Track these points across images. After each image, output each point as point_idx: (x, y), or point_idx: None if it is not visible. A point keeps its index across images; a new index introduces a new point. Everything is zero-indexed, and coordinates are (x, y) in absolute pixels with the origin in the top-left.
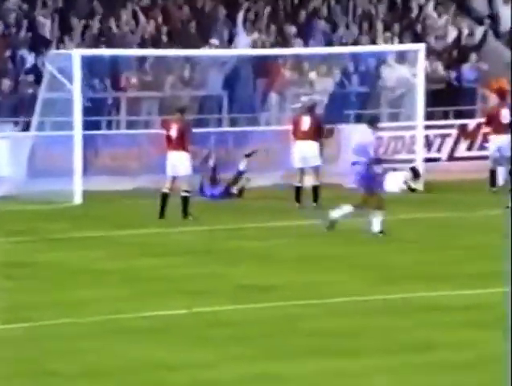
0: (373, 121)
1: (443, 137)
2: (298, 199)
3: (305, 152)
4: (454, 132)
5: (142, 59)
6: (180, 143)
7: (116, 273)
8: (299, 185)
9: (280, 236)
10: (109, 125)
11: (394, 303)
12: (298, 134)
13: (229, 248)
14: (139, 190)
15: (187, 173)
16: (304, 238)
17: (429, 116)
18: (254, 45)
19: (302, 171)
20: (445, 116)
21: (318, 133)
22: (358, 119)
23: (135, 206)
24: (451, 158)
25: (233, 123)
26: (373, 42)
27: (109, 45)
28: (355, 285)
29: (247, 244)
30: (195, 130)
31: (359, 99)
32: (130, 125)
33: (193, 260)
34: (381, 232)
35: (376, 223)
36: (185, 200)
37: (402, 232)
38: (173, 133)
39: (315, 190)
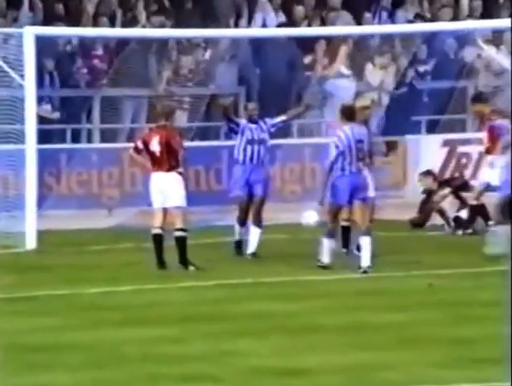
0: None
1: None
2: (346, 243)
3: None
4: None
5: (122, 43)
6: (167, 161)
7: (80, 350)
8: (346, 224)
9: (316, 295)
10: (76, 136)
11: None
12: None
13: (243, 313)
14: (119, 229)
15: (180, 203)
16: (352, 297)
17: None
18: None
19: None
20: None
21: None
22: (432, 128)
23: (114, 252)
24: None
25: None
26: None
27: (74, 22)
28: (423, 368)
29: (269, 307)
30: (199, 143)
31: (434, 99)
32: (107, 135)
33: (192, 330)
34: None
35: None
36: (182, 243)
37: None
38: (155, 147)
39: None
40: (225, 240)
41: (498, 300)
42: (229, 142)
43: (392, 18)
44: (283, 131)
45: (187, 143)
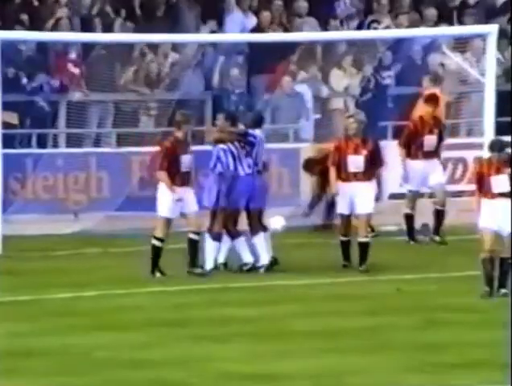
0: None
1: None
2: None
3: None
4: None
5: (88, 47)
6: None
7: (49, 355)
8: (345, 239)
9: (285, 300)
10: (41, 141)
11: None
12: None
13: (212, 318)
14: (86, 234)
15: (195, 209)
16: (321, 302)
17: (502, 128)
18: (255, 29)
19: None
20: None
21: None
22: (398, 133)
23: (80, 257)
24: None
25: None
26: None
27: (35, 25)
28: (391, 373)
29: (238, 312)
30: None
31: (399, 105)
32: (73, 140)
33: (160, 336)
34: None
35: None
36: (195, 246)
37: None
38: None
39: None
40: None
41: (466, 305)
42: (195, 147)
43: (359, 25)
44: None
45: (153, 148)
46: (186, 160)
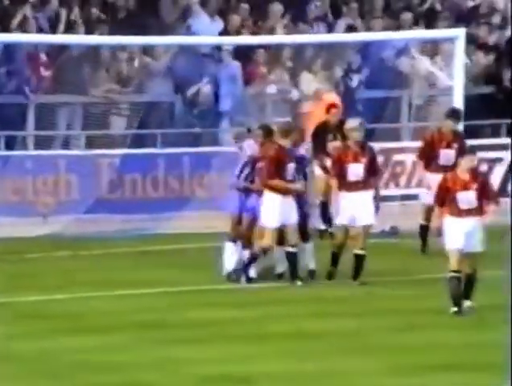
0: None
1: (492, 162)
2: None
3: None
4: (508, 156)
5: (57, 49)
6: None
7: (19, 359)
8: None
9: (261, 303)
10: (10, 143)
11: None
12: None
13: (185, 321)
14: (55, 237)
15: (295, 220)
16: (296, 305)
17: (471, 132)
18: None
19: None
20: (494, 132)
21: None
22: (367, 136)
23: (50, 260)
24: (503, 193)
25: (188, 141)
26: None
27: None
28: (366, 376)
29: (211, 315)
30: (133, 151)
31: (369, 108)
32: (42, 142)
33: (133, 338)
34: None
35: None
36: (294, 258)
37: None
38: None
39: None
40: (163, 248)
41: (440, 308)
42: (166, 150)
43: (329, 28)
44: (220, 138)
45: (123, 151)
46: (291, 169)
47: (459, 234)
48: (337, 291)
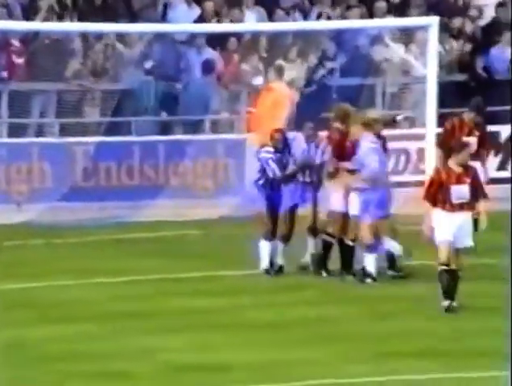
0: None
1: None
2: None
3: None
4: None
5: (31, 36)
6: None
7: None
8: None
9: (234, 292)
10: None
11: None
12: None
13: (161, 309)
14: (29, 225)
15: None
16: (271, 294)
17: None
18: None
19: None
20: None
21: None
22: None
23: (26, 248)
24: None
25: (164, 129)
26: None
27: None
28: (337, 363)
29: (186, 303)
30: (108, 138)
31: (343, 96)
32: (15, 130)
33: (109, 327)
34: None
35: None
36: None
37: None
38: None
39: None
40: (138, 236)
41: (412, 295)
42: (141, 138)
43: (304, 16)
44: (196, 127)
45: (98, 138)
46: None
47: (450, 228)
48: (314, 280)
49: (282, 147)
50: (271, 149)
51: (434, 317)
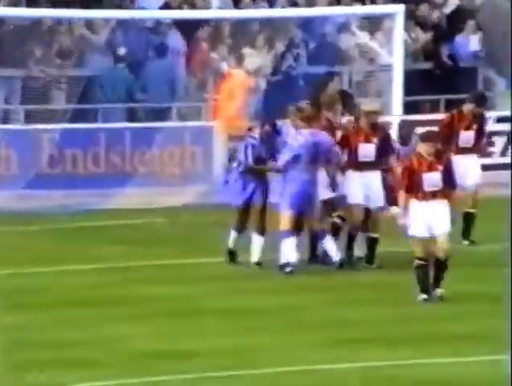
0: None
1: None
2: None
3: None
4: None
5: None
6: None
7: None
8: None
9: (199, 280)
10: None
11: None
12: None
13: (125, 297)
14: None
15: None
16: (235, 281)
17: (410, 107)
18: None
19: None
20: (434, 108)
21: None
22: None
23: None
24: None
25: (130, 116)
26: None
27: None
28: (304, 350)
29: (153, 291)
30: (74, 125)
31: (310, 84)
32: None
33: (72, 315)
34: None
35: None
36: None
37: None
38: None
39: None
40: (104, 224)
41: (377, 282)
42: (107, 125)
43: (270, 3)
44: (163, 114)
45: (63, 125)
46: None
47: (424, 220)
48: (267, 267)
49: (270, 139)
50: (257, 136)
51: (403, 304)
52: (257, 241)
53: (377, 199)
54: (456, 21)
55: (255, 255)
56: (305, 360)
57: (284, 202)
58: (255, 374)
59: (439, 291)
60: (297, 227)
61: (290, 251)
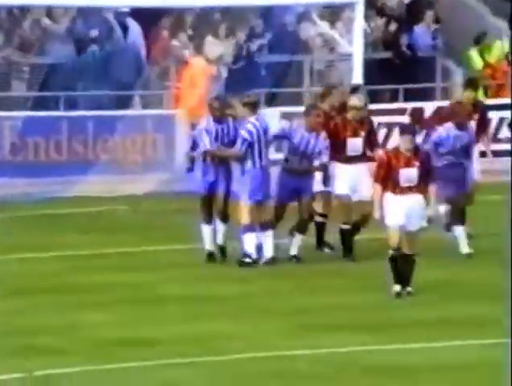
0: None
1: (390, 126)
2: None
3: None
4: (405, 119)
5: None
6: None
7: None
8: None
9: (161, 267)
10: None
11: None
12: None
13: (87, 285)
14: None
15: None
16: (197, 268)
17: (370, 97)
18: None
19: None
20: (393, 97)
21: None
22: (271, 101)
23: None
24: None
25: (92, 104)
26: None
27: None
28: (264, 337)
29: (114, 278)
30: (36, 113)
31: (271, 72)
32: None
33: (35, 303)
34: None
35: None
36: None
37: None
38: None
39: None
40: (67, 212)
41: (339, 270)
42: (69, 113)
43: None
44: (125, 102)
45: (25, 113)
46: None
47: (399, 211)
48: (230, 255)
49: (224, 119)
50: (210, 120)
51: (369, 292)
52: (220, 228)
53: (365, 191)
54: (415, 11)
55: (219, 241)
56: (268, 347)
57: (243, 192)
58: (218, 361)
59: (408, 289)
60: (276, 218)
61: (250, 247)
